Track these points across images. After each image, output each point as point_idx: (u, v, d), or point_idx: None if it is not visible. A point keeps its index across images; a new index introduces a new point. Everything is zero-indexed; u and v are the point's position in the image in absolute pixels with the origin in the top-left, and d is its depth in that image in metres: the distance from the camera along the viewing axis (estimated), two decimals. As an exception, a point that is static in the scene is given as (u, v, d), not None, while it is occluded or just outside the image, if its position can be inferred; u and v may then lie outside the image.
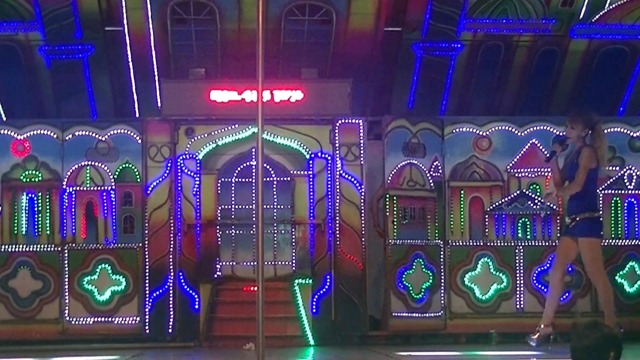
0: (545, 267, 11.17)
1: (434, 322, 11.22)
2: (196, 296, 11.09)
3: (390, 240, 11.15)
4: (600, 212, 9.79)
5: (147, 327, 11.05)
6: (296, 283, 11.11)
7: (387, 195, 11.19)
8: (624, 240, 11.39)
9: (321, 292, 11.17)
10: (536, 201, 11.34)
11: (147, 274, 11.07)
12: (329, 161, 11.30)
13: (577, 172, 9.57)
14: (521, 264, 11.30)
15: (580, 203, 9.62)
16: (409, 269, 11.17)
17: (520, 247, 11.26)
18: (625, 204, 11.44)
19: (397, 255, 11.15)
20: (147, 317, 11.04)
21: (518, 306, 11.20)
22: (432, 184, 11.34)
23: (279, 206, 11.37)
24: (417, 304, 11.15)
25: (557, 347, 9.60)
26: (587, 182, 9.63)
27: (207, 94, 11.21)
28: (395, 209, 11.20)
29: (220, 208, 11.32)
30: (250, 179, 11.17)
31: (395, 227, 11.20)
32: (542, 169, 11.11)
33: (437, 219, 11.32)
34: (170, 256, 11.11)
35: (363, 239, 11.19)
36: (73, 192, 11.17)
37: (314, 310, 11.09)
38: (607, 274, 11.21)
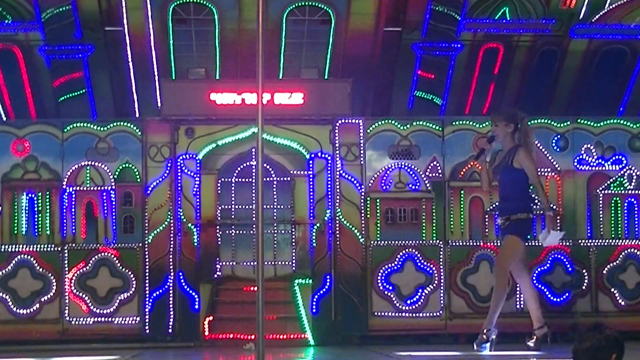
0: (546, 267, 11.20)
1: (432, 322, 11.20)
2: (196, 296, 11.10)
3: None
4: (532, 215, 9.83)
5: (147, 327, 11.05)
6: (296, 283, 11.11)
7: (369, 198, 11.21)
8: (624, 240, 11.38)
9: (321, 292, 11.17)
10: (536, 201, 11.32)
11: (147, 274, 11.07)
12: (329, 161, 11.30)
13: (530, 177, 9.61)
14: (521, 264, 11.27)
15: (517, 205, 9.65)
16: (397, 270, 11.18)
17: (520, 247, 11.24)
18: (625, 204, 11.42)
19: (381, 256, 11.16)
20: (147, 317, 11.04)
21: (518, 306, 11.17)
22: (428, 185, 11.33)
23: (279, 206, 11.38)
24: (407, 304, 11.16)
25: (557, 347, 9.63)
26: (520, 182, 9.66)
27: (207, 96, 11.21)
28: (377, 211, 11.23)
29: (220, 208, 11.32)
30: (250, 179, 11.18)
31: (378, 228, 11.22)
32: (542, 169, 11.07)
33: (435, 219, 11.32)
34: (170, 256, 11.12)
35: (363, 239, 11.20)
36: (73, 192, 11.17)
37: (314, 310, 11.09)
38: (607, 273, 11.32)
